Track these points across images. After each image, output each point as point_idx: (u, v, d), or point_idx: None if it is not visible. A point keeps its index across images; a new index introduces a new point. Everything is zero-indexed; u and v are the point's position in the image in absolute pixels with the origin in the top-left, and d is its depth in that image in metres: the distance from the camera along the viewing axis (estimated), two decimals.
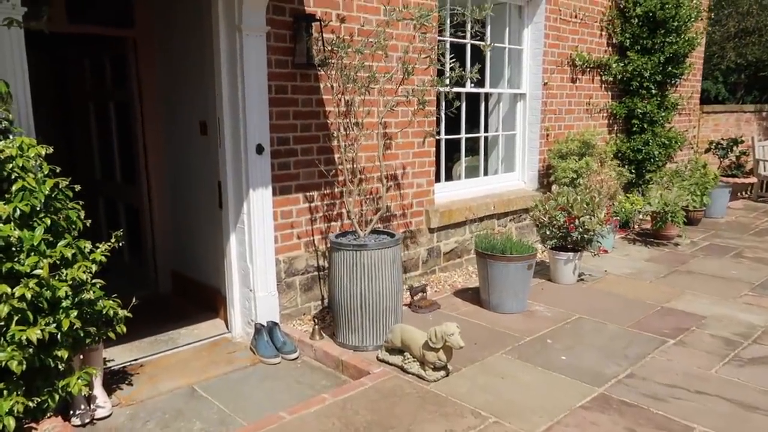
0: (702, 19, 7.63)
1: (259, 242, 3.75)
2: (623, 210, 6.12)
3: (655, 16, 6.34)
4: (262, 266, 3.79)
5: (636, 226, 6.74)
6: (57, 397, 2.67)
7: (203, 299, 4.35)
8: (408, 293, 4.36)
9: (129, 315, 2.94)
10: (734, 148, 8.50)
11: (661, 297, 4.56)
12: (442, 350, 3.17)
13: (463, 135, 5.46)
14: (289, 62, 3.80)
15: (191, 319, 4.19)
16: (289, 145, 3.90)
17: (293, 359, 3.61)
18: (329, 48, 3.82)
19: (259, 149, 3.66)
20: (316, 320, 4.01)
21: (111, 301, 2.84)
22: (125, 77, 4.52)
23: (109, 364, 3.40)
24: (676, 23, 6.38)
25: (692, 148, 8.30)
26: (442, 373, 3.25)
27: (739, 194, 8.78)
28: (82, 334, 2.72)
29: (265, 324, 3.73)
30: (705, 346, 3.67)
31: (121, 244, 2.92)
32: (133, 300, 3.02)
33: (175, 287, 4.74)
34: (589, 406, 2.95)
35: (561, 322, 4.06)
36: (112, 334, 2.91)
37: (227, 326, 4.03)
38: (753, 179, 8.83)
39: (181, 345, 3.82)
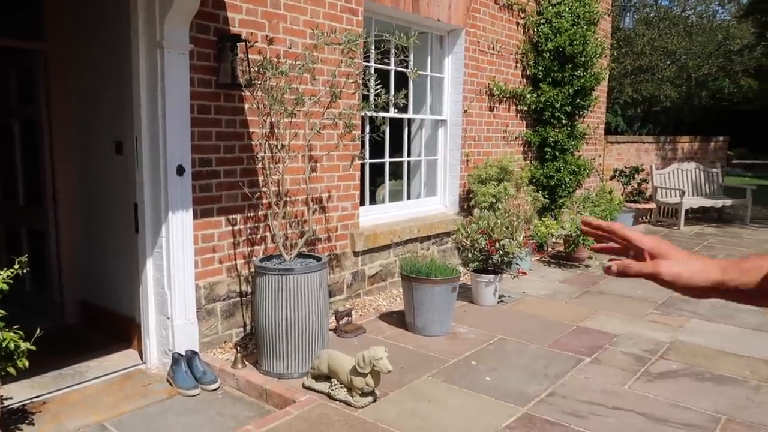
0: (606, 56, 8.20)
1: (177, 267, 3.58)
2: (538, 233, 6.38)
3: (565, 52, 6.74)
4: (180, 292, 3.62)
5: (550, 249, 7.05)
6: None
7: (116, 329, 4.08)
8: (333, 318, 4.30)
9: (32, 348, 2.71)
10: (636, 175, 9.13)
11: (576, 317, 4.76)
12: (370, 375, 3.14)
13: (386, 159, 5.52)
14: (212, 82, 3.70)
15: (101, 350, 3.91)
16: (212, 167, 3.78)
17: (214, 390, 3.45)
18: (255, 69, 3.76)
19: (180, 170, 3.52)
20: (238, 348, 3.86)
21: (12, 333, 2.61)
22: (33, 93, 4.23)
23: (6, 403, 3.10)
24: (583, 59, 6.81)
25: (599, 175, 8.82)
26: (370, 398, 3.21)
27: (640, 219, 9.40)
28: None
29: (184, 353, 3.55)
30: (618, 363, 3.86)
31: (24, 271, 2.70)
32: (38, 331, 2.79)
33: (85, 317, 4.42)
34: (514, 426, 3.00)
35: (484, 344, 4.14)
36: (12, 370, 2.67)
37: (141, 357, 3.80)
38: (652, 205, 9.50)
39: (90, 379, 3.55)
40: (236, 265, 4.01)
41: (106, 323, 4.20)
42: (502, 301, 5.09)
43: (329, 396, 3.27)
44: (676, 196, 9.61)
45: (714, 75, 21.96)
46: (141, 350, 3.80)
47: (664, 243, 0.90)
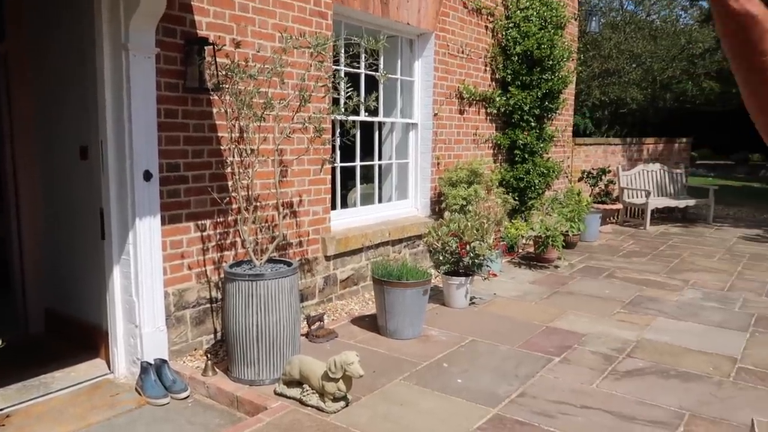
0: (573, 60, 8.34)
1: (145, 274, 3.53)
2: (509, 235, 6.45)
3: (533, 55, 6.83)
4: (149, 300, 3.56)
5: (521, 250, 7.13)
6: None
7: (82, 338, 4.00)
8: (305, 323, 4.28)
9: None
10: (603, 177, 9.30)
11: (545, 317, 4.83)
12: (341, 380, 3.13)
13: (358, 163, 5.52)
14: (179, 86, 3.66)
15: (67, 360, 3.82)
16: (180, 172, 3.73)
17: (184, 398, 3.40)
18: (223, 73, 3.73)
19: (147, 176, 3.47)
20: (208, 355, 3.82)
21: None
22: None
23: None
24: (551, 62, 6.91)
25: (567, 177, 8.96)
26: (342, 403, 3.20)
27: (608, 219, 9.57)
28: None
29: (153, 362, 3.49)
30: (586, 362, 3.92)
31: None
32: (0, 342, 2.71)
33: (50, 326, 4.32)
34: (485, 428, 3.03)
35: (456, 346, 4.17)
36: None
37: (109, 366, 3.72)
38: (619, 205, 9.69)
39: (56, 390, 3.47)
40: (206, 271, 3.96)
41: (72, 332, 4.11)
42: (473, 303, 5.13)
43: (301, 402, 3.25)
44: (642, 197, 9.82)
45: (678, 78, 22.53)
46: (109, 359, 3.72)
47: None
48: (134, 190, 3.44)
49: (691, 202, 10.07)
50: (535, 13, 6.87)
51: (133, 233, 3.49)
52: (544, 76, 6.92)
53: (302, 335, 4.09)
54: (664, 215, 10.57)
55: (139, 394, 3.41)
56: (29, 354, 3.91)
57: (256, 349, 3.47)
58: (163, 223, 3.62)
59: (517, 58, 6.89)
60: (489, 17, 6.76)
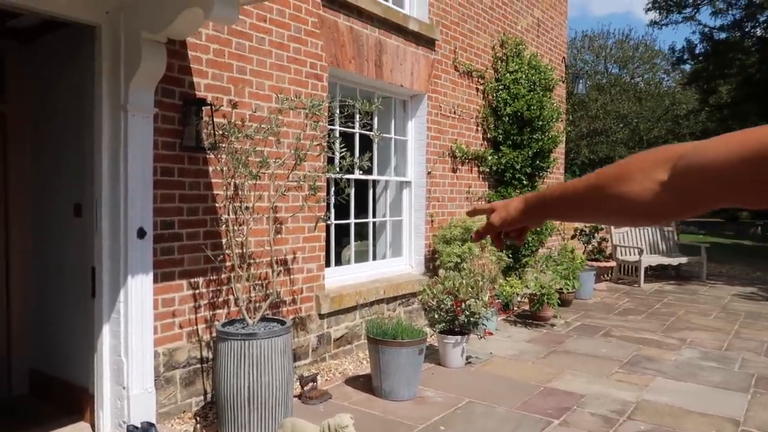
0: (562, 120, 8.54)
1: (135, 334, 3.45)
2: (504, 293, 6.42)
3: (523, 116, 7.00)
4: (138, 360, 3.47)
5: (516, 308, 7.07)
6: None
7: (67, 400, 3.87)
8: (298, 383, 4.18)
9: None
10: (595, 234, 9.36)
11: (543, 377, 4.74)
12: None
13: (352, 220, 5.54)
14: (177, 144, 3.70)
15: (50, 424, 3.68)
16: (174, 229, 3.72)
17: None
18: (220, 132, 3.78)
19: (141, 233, 3.46)
20: (198, 418, 3.70)
21: None
22: None
23: None
24: (541, 122, 7.08)
25: (560, 234, 9.00)
26: None
27: (602, 276, 9.56)
28: None
29: (139, 425, 3.37)
30: (586, 425, 3.82)
31: None
32: None
33: (34, 387, 4.19)
34: None
35: (452, 408, 4.07)
36: None
37: (93, 430, 3.59)
38: (613, 263, 9.70)
39: None
40: (197, 330, 3.89)
41: (56, 394, 3.99)
42: (469, 363, 5.04)
43: None
44: (635, 255, 9.85)
45: (663, 137, 23.09)
46: (93, 422, 3.60)
47: (496, 203, 1.14)
48: (127, 248, 3.41)
49: (684, 259, 10.11)
50: (524, 76, 7.09)
51: (124, 291, 3.44)
52: (534, 136, 7.07)
53: (295, 396, 3.98)
54: (657, 272, 10.58)
55: None
56: (10, 417, 3.77)
57: (247, 411, 3.36)
58: (155, 280, 3.58)
59: (507, 118, 7.05)
60: (480, 80, 6.96)
